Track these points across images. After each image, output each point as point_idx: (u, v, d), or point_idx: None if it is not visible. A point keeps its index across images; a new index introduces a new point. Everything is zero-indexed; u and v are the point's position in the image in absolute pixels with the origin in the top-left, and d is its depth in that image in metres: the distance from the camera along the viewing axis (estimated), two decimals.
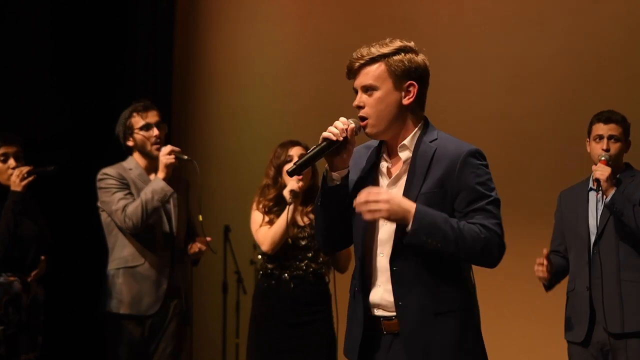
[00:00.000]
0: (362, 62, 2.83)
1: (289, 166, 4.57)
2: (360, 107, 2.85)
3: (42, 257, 4.70)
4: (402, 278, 2.80)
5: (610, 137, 4.33)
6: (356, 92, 2.88)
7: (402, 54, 2.83)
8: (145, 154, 4.63)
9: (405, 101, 2.84)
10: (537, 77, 5.80)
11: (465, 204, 2.78)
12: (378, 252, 2.87)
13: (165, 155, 4.52)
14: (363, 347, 2.88)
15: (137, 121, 4.61)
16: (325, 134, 2.82)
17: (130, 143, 4.65)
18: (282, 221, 4.57)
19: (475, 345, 2.85)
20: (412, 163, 2.84)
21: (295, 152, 4.67)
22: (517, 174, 5.62)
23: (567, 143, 5.66)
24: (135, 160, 4.66)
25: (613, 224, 4.26)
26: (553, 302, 5.25)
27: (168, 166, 4.52)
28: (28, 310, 4.59)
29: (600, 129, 4.35)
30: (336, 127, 2.82)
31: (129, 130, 4.63)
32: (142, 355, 4.59)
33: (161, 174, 4.53)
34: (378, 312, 2.87)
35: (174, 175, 4.65)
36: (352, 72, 2.86)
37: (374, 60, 2.82)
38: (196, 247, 4.69)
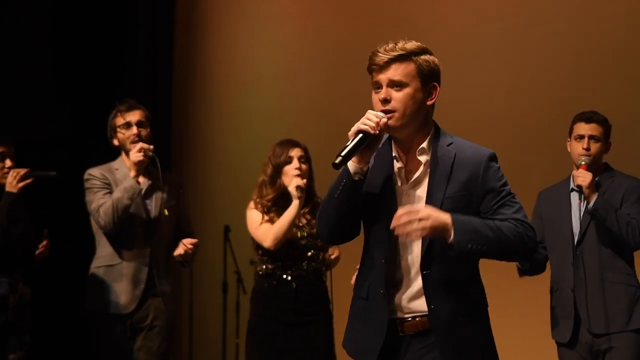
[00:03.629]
0: (391, 57, 2.83)
1: (290, 166, 4.62)
2: (386, 101, 2.84)
3: (45, 232, 4.74)
4: (433, 281, 2.85)
5: (591, 137, 4.35)
6: (377, 86, 2.87)
7: (427, 55, 2.88)
8: (127, 152, 4.65)
9: (429, 101, 2.89)
10: (537, 77, 5.81)
11: (493, 204, 2.86)
12: (402, 255, 2.90)
13: (135, 153, 4.54)
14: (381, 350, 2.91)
15: (119, 120, 4.65)
16: (361, 126, 2.79)
17: (115, 142, 4.69)
18: (287, 217, 4.54)
19: (492, 339, 2.98)
20: (433, 167, 2.88)
21: (295, 153, 4.65)
22: (517, 173, 5.57)
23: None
24: (123, 160, 4.68)
25: (595, 226, 4.28)
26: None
27: (137, 164, 4.53)
28: (15, 310, 4.60)
29: (582, 128, 4.38)
30: (370, 120, 2.80)
31: (113, 130, 4.67)
32: (125, 354, 4.60)
33: (132, 172, 4.55)
34: (399, 315, 2.90)
35: (164, 174, 4.69)
36: (379, 66, 2.84)
37: (403, 57, 2.83)
38: (181, 249, 4.63)
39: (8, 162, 4.64)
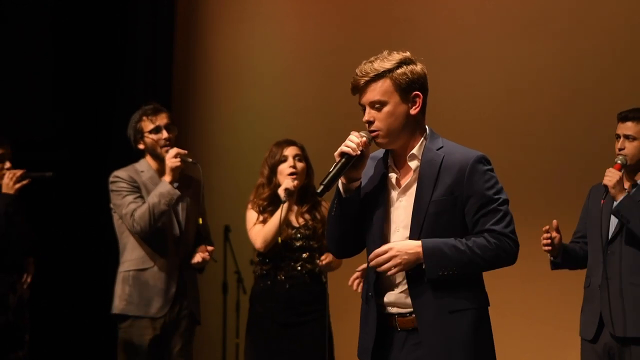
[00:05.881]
0: (367, 79, 2.92)
1: (284, 165, 4.62)
2: (370, 122, 2.94)
3: (30, 259, 4.73)
4: (418, 278, 2.91)
5: (626, 137, 4.24)
6: (363, 108, 2.97)
7: (404, 67, 2.92)
8: (155, 156, 4.62)
9: (413, 111, 2.94)
10: (537, 77, 5.80)
11: (476, 209, 2.90)
12: None
13: (171, 158, 4.50)
14: (376, 346, 2.98)
15: (147, 125, 4.60)
16: (343, 149, 2.91)
17: (141, 146, 4.65)
18: (275, 219, 4.55)
19: (488, 341, 2.97)
20: (422, 171, 2.93)
21: (290, 152, 4.65)
22: (517, 173, 5.61)
23: (567, 143, 5.66)
24: (147, 163, 4.65)
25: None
26: (553, 302, 5.26)
27: (174, 169, 4.51)
28: (14, 310, 4.60)
29: (618, 127, 4.28)
30: (352, 142, 2.91)
31: (139, 134, 4.62)
32: (154, 356, 4.58)
33: (167, 177, 4.51)
34: (393, 310, 2.96)
35: (184, 177, 4.67)
36: (358, 89, 2.95)
37: (378, 76, 2.92)
38: (199, 257, 4.62)
39: (7, 164, 4.64)
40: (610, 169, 4.20)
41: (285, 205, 4.52)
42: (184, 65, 6.97)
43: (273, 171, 4.66)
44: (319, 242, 4.65)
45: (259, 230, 4.59)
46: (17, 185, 4.53)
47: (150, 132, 4.59)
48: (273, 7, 6.82)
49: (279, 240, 4.58)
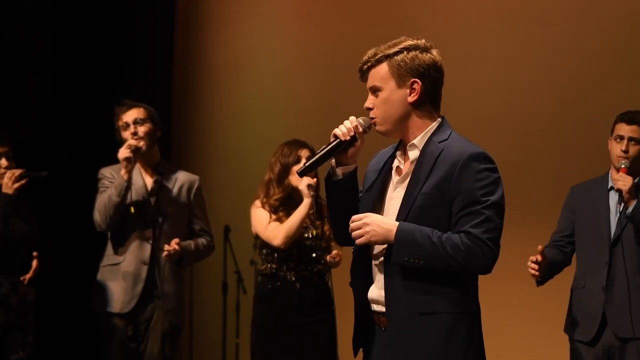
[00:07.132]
0: (369, 64, 2.91)
1: (298, 166, 4.61)
2: (369, 109, 2.92)
3: (35, 255, 4.75)
4: (394, 275, 2.82)
5: (630, 139, 4.20)
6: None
7: (405, 53, 2.87)
8: None
9: (410, 99, 2.87)
10: (537, 77, 5.80)
11: (460, 208, 2.78)
12: (374, 249, 2.91)
13: (122, 150, 4.54)
14: (365, 340, 2.93)
15: (120, 123, 4.69)
16: (336, 131, 2.91)
17: None
18: (298, 215, 4.53)
19: (467, 349, 2.81)
20: (418, 163, 2.86)
21: (304, 153, 4.66)
22: (516, 174, 5.61)
23: (567, 143, 5.66)
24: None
25: (633, 228, 4.15)
26: (552, 301, 5.24)
27: (122, 160, 4.52)
28: (16, 310, 4.61)
29: (622, 129, 4.23)
30: (344, 126, 2.90)
31: (118, 133, 4.70)
32: (129, 353, 4.60)
33: (122, 169, 4.54)
34: (376, 308, 2.89)
35: (173, 172, 4.73)
36: (363, 74, 2.94)
37: (378, 61, 2.89)
38: (165, 248, 4.57)
39: (4, 162, 4.65)
40: (620, 173, 4.16)
41: (310, 202, 4.51)
42: (184, 65, 6.98)
43: (286, 171, 4.65)
44: (327, 242, 4.65)
45: (278, 227, 4.57)
46: (16, 185, 4.55)
47: (121, 128, 4.67)
48: (273, 7, 6.82)
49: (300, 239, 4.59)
